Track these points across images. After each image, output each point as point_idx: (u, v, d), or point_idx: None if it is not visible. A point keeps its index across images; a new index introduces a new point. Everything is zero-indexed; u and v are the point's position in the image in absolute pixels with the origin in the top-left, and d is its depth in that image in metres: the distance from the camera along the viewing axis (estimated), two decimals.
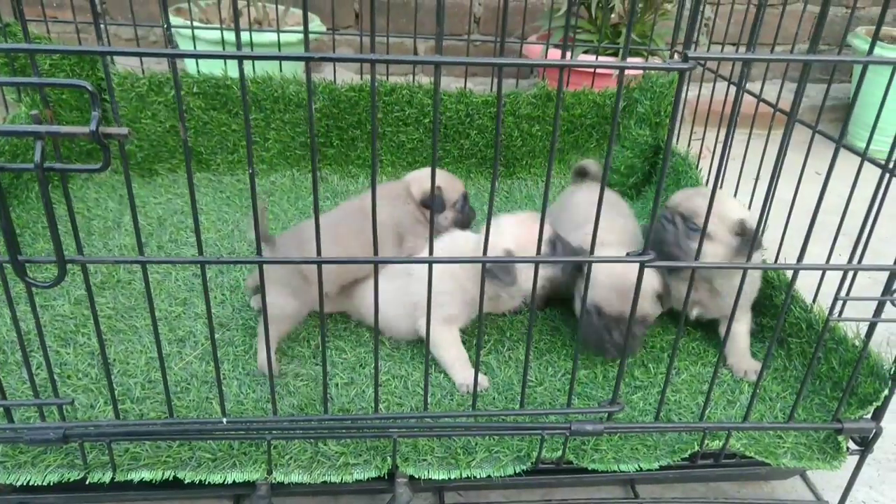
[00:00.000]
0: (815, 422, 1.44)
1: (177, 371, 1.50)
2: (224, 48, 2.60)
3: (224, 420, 1.20)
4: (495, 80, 2.50)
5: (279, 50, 2.70)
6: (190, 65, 2.71)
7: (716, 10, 2.51)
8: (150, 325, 1.61)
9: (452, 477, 1.30)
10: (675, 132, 1.01)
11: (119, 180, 2.30)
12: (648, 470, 1.34)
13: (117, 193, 2.22)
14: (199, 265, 1.06)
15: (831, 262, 1.43)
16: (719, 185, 1.06)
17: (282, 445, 1.31)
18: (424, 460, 1.31)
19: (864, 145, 1.44)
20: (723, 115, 1.84)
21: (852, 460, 1.39)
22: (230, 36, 2.55)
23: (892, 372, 1.32)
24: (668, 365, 1.25)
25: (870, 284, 2.19)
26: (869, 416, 1.36)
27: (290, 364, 1.55)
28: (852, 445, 1.39)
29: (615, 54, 3.06)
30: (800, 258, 1.18)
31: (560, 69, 0.96)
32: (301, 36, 2.86)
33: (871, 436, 1.36)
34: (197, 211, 1.01)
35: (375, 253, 1.08)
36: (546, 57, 2.80)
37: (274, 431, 1.26)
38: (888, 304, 1.26)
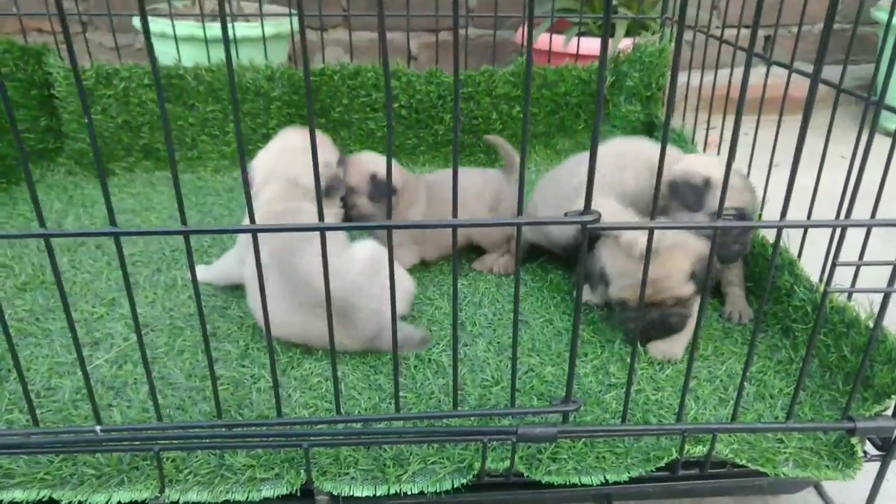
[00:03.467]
0: (823, 421, 1.19)
1: (81, 376, 1.32)
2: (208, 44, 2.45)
3: (97, 428, 1.02)
4: (480, 64, 2.30)
5: (264, 45, 2.54)
6: (164, 58, 2.56)
7: None
8: (64, 328, 1.46)
9: (379, 494, 1.09)
10: (673, 103, 0.80)
11: (72, 181, 2.16)
12: (617, 482, 1.12)
13: (67, 195, 2.09)
14: (115, 237, 0.88)
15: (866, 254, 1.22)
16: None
17: (181, 458, 1.12)
18: (346, 474, 1.11)
19: (893, 126, 1.24)
20: (727, 102, 1.70)
21: (872, 468, 1.14)
22: (209, 31, 2.41)
23: None
24: (631, 356, 1.03)
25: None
26: (889, 412, 1.11)
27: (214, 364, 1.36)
28: (871, 449, 1.14)
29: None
30: (782, 216, 0.95)
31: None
32: (278, 29, 2.71)
33: (893, 437, 1.11)
34: (105, 178, 0.84)
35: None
36: (536, 43, 2.60)
37: (161, 441, 1.07)
38: None
